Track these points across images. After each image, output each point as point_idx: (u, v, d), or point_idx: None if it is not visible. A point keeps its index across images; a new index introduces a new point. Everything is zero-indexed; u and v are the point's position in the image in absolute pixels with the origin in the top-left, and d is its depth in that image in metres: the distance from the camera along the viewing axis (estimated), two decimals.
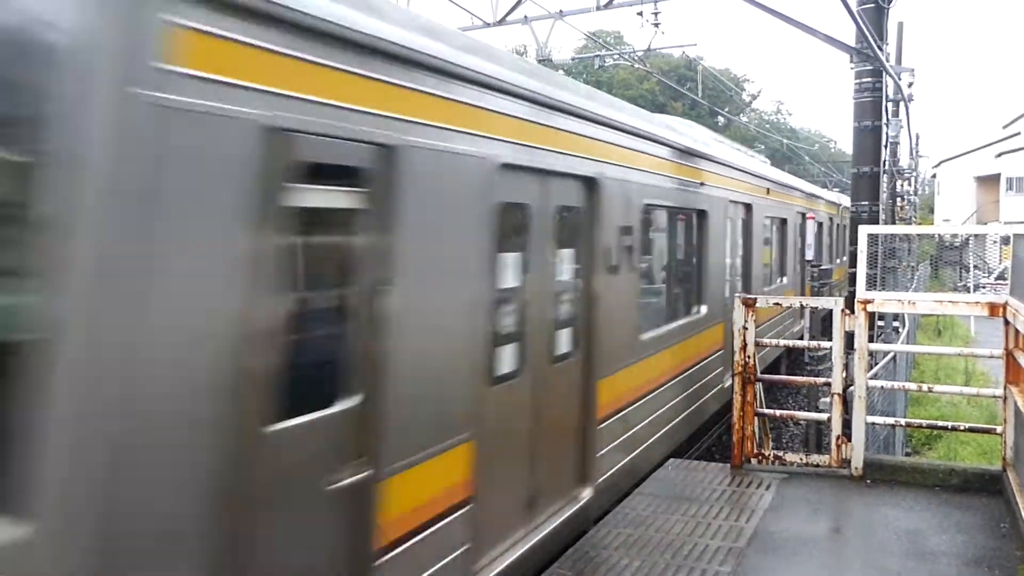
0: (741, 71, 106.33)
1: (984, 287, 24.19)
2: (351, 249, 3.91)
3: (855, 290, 7.85)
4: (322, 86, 3.51)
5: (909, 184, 34.92)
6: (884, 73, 9.98)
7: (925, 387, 9.13)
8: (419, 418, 4.22)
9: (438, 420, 4.40)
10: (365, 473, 3.83)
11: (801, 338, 14.83)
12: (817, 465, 7.41)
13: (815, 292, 15.76)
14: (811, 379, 9.39)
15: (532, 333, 5.57)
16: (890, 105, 19.57)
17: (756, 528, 6.01)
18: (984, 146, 53.40)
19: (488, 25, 15.40)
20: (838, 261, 23.07)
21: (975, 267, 28.20)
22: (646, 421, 7.67)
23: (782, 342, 11.46)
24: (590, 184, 6.34)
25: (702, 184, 9.51)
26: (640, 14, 16.17)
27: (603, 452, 6.62)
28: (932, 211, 61.68)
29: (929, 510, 6.42)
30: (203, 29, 2.94)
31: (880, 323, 15.54)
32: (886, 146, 18.41)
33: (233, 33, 3.06)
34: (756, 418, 7.75)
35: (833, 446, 7.31)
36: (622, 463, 7.04)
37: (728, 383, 10.18)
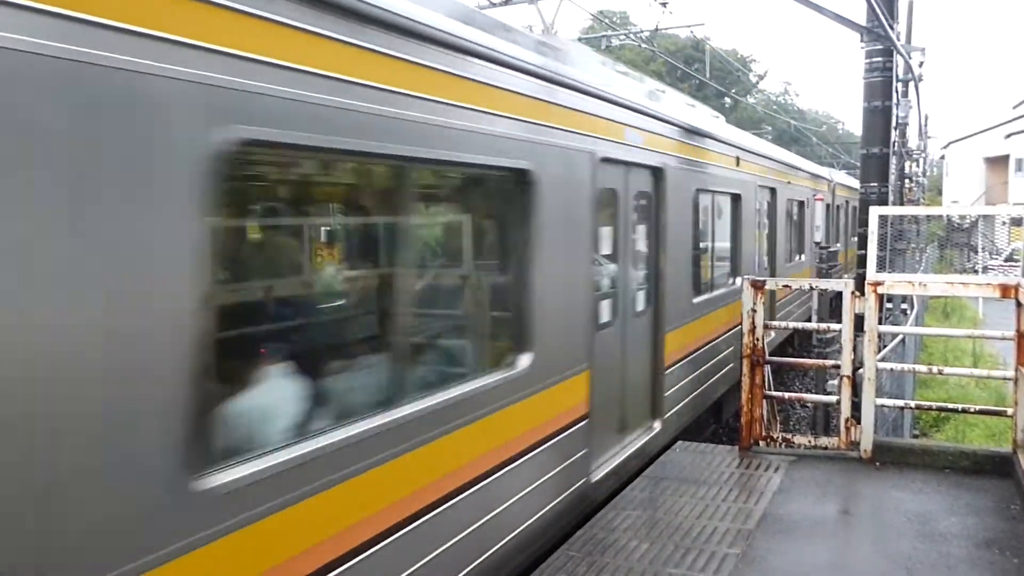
0: (748, 52, 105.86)
1: (993, 269, 24.05)
2: None
3: (864, 272, 7.80)
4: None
5: (918, 165, 34.67)
6: (894, 53, 9.84)
7: (935, 369, 9.11)
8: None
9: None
10: None
11: (809, 320, 14.77)
12: (826, 447, 7.38)
13: (823, 274, 15.62)
14: (820, 361, 9.36)
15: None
16: (900, 85, 19.36)
17: (765, 510, 6.00)
18: (993, 127, 52.85)
19: (493, 5, 15.22)
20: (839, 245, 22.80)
21: (983, 248, 28.02)
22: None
23: (791, 324, 11.46)
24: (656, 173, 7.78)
25: (738, 169, 10.81)
26: None
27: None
28: (940, 192, 61.24)
29: (939, 492, 6.40)
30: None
31: (888, 305, 15.44)
32: (895, 127, 18.23)
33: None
34: (764, 401, 7.72)
35: (842, 428, 7.28)
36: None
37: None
